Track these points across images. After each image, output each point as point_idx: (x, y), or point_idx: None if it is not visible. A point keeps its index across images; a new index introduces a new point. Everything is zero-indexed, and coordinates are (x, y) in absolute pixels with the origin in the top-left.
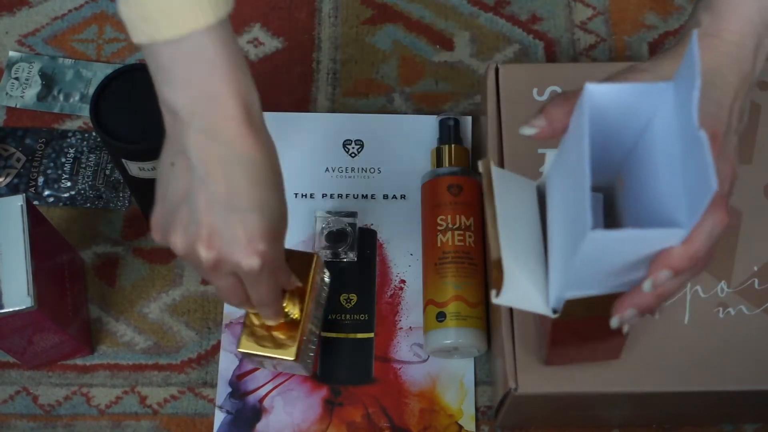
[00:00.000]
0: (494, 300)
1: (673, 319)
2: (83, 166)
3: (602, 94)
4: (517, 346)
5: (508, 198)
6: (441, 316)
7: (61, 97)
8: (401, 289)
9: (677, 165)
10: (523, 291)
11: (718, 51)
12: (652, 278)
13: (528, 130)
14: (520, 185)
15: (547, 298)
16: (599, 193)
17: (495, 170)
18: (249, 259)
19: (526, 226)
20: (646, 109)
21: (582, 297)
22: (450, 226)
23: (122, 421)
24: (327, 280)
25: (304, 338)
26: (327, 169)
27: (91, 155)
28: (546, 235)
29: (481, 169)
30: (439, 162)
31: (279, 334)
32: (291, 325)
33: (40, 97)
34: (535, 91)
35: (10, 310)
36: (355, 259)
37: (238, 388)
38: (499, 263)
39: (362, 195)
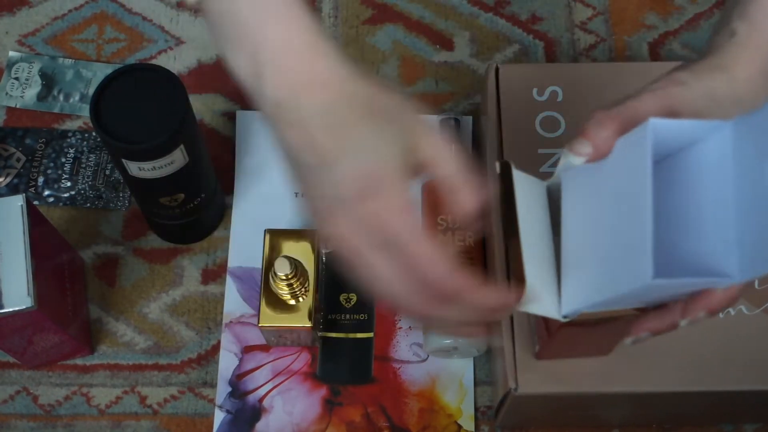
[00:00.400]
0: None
1: None
2: (83, 166)
3: (664, 129)
4: (517, 346)
5: (524, 201)
6: None
7: (61, 97)
8: None
9: (730, 212)
10: (538, 297)
11: (756, 66)
12: (690, 318)
13: (576, 160)
14: (532, 186)
15: (558, 303)
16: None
17: (516, 173)
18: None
19: (539, 230)
20: (693, 138)
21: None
22: (450, 225)
23: (122, 421)
24: (324, 258)
25: (316, 306)
26: None
27: (91, 155)
28: (553, 235)
29: (498, 170)
30: None
31: (292, 307)
32: (302, 298)
33: (40, 97)
34: (535, 91)
35: (10, 310)
36: None
37: (237, 388)
38: (521, 273)
39: None
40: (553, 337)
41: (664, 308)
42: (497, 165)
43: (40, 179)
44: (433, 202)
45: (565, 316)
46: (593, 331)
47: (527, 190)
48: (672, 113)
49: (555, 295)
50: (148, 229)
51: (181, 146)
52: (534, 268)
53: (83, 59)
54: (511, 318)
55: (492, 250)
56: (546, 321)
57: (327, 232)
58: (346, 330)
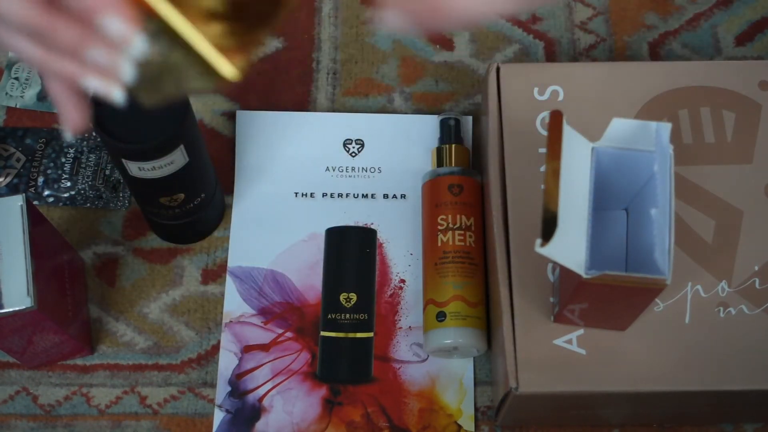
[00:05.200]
0: (538, 249)
1: (674, 318)
2: (83, 166)
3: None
4: (517, 346)
5: (570, 155)
6: (441, 316)
7: None
8: (401, 288)
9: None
10: (566, 246)
11: None
12: None
13: None
14: (580, 144)
15: (584, 260)
16: (623, 211)
17: (565, 126)
18: None
19: (579, 186)
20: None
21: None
22: (451, 225)
23: (122, 421)
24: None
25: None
26: (327, 169)
27: (91, 155)
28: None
29: (549, 120)
30: (439, 162)
31: None
32: None
33: (40, 97)
34: (536, 90)
35: (10, 310)
36: None
37: (237, 388)
38: (554, 213)
39: (362, 195)
40: (573, 295)
41: None
42: (549, 114)
43: (40, 179)
44: (434, 202)
45: (588, 273)
46: (613, 298)
47: (574, 145)
48: None
49: (583, 253)
50: (148, 229)
51: (181, 146)
52: (566, 217)
53: None
54: (512, 318)
55: (492, 250)
56: (568, 280)
57: None
58: (346, 330)
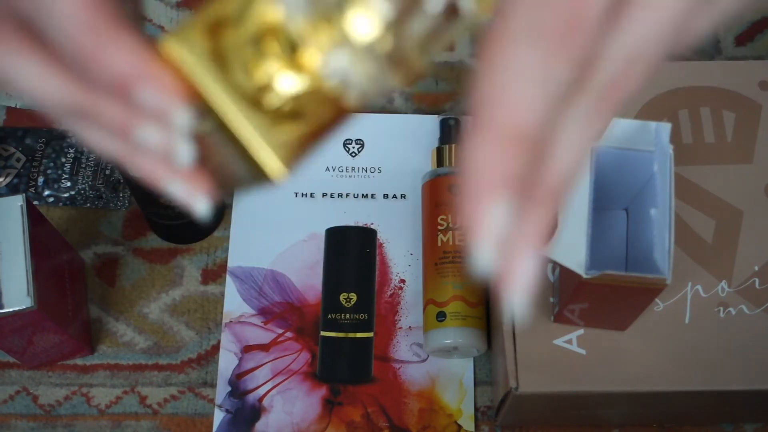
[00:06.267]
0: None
1: (674, 318)
2: (83, 166)
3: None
4: (517, 346)
5: None
6: (441, 316)
7: None
8: (401, 288)
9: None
10: (566, 246)
11: None
12: None
13: None
14: None
15: (585, 261)
16: (623, 211)
17: None
18: None
19: (579, 186)
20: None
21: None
22: (451, 225)
23: (122, 421)
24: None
25: None
26: (327, 169)
27: (91, 155)
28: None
29: None
30: (440, 162)
31: None
32: None
33: None
34: None
35: (10, 310)
36: None
37: (237, 387)
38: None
39: (362, 195)
40: (573, 295)
41: None
42: None
43: (40, 179)
44: (434, 202)
45: (588, 273)
46: (613, 298)
47: None
48: None
49: (583, 252)
50: (148, 229)
51: None
52: (567, 218)
53: None
54: (512, 317)
55: None
56: (568, 280)
57: None
58: (346, 330)
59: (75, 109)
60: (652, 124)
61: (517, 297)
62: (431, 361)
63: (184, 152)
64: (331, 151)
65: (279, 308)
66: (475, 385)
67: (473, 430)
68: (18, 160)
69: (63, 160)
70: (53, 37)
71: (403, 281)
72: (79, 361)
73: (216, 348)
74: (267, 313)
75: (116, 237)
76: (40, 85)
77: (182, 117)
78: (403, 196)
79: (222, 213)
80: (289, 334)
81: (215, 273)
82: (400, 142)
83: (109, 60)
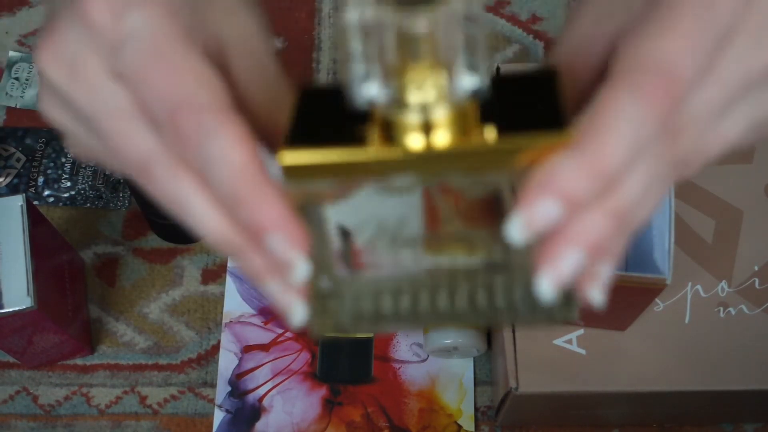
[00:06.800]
0: None
1: (674, 318)
2: (83, 166)
3: None
4: (517, 345)
5: None
6: None
7: None
8: None
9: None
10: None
11: None
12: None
13: None
14: None
15: None
16: None
17: None
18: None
19: None
20: None
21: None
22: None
23: (122, 421)
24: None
25: None
26: None
27: None
28: None
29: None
30: None
31: None
32: None
33: None
34: None
35: (10, 310)
36: None
37: (237, 388)
38: None
39: None
40: None
41: None
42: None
43: (40, 179)
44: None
45: None
46: (613, 298)
47: None
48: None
49: None
50: (148, 229)
51: None
52: None
53: None
54: None
55: None
56: None
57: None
58: None
59: (230, 249)
60: None
61: (597, 295)
62: (431, 361)
63: (299, 312)
64: None
65: None
66: (475, 385)
67: (473, 430)
68: (18, 160)
69: (63, 160)
70: (212, 177)
71: None
72: (79, 361)
73: (216, 348)
74: (267, 313)
75: (116, 237)
76: (206, 220)
77: (300, 270)
78: None
79: None
80: (289, 334)
81: (215, 273)
82: None
83: (258, 209)
